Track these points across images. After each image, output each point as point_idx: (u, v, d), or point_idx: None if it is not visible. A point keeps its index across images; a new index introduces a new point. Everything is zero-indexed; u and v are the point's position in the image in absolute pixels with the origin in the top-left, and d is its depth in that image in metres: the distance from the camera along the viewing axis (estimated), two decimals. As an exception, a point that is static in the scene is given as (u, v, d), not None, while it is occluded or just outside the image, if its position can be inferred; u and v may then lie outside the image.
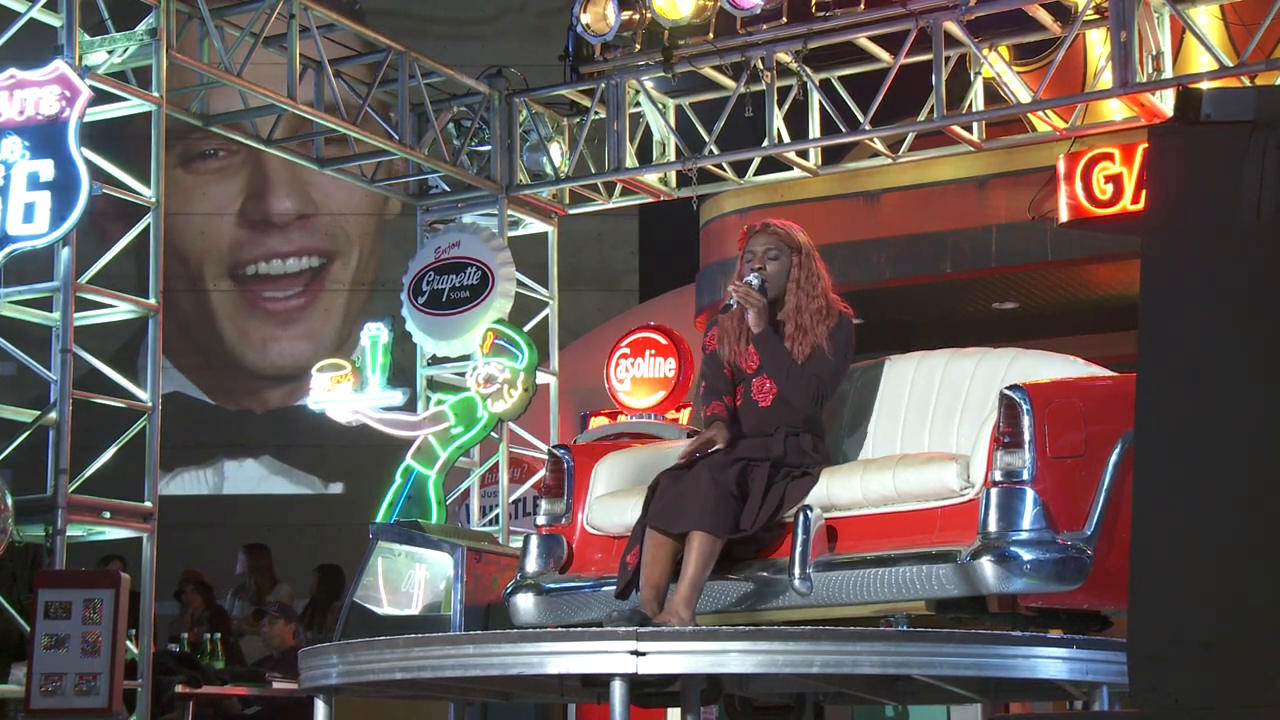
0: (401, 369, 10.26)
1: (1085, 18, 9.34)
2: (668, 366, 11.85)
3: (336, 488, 17.38)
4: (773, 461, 5.27)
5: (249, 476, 17.54)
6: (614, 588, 5.36)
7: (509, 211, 10.77)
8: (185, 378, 17.40)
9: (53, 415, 8.00)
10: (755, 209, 12.30)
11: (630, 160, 10.44)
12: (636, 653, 4.55)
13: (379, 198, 16.33)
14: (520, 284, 10.48)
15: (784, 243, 5.54)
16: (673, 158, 10.50)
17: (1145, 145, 9.68)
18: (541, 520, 5.81)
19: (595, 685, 5.06)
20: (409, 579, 8.66)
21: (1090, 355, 5.69)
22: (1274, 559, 2.86)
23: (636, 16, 9.74)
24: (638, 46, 9.98)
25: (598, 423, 12.10)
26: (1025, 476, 4.89)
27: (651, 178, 10.80)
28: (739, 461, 5.26)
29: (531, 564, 5.72)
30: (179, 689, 9.20)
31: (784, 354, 5.42)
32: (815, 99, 9.93)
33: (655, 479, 5.30)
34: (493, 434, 10.08)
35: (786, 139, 10.07)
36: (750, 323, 5.45)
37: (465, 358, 10.24)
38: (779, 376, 5.41)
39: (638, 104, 10.50)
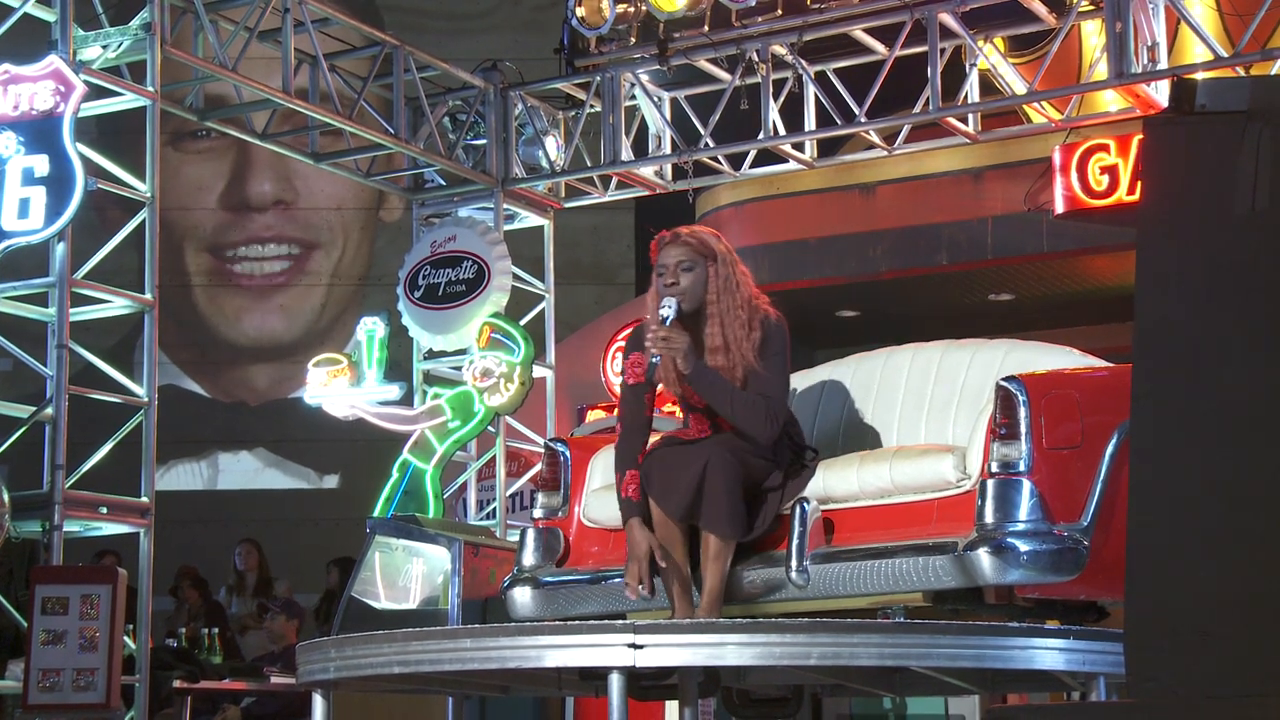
0: (398, 363, 10.25)
1: (1080, 9, 9.34)
2: (664, 360, 11.82)
3: (332, 482, 17.35)
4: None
5: (244, 471, 17.50)
6: (613, 582, 5.36)
7: (505, 205, 10.76)
8: (179, 370, 17.37)
9: (49, 411, 8.00)
10: (751, 201, 12.31)
11: (626, 153, 10.44)
12: (634, 645, 4.55)
13: (366, 191, 16.31)
14: (516, 278, 10.48)
15: (697, 252, 5.21)
16: (668, 151, 10.49)
17: (1140, 136, 9.69)
18: (538, 514, 5.80)
19: (593, 678, 5.05)
20: (406, 573, 8.65)
21: (1086, 346, 5.68)
22: (1271, 549, 2.86)
23: (631, 9, 9.74)
24: (633, 39, 9.98)
25: (594, 416, 12.11)
26: (1022, 468, 4.88)
27: (647, 171, 10.79)
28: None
29: (528, 557, 5.71)
30: (177, 684, 9.20)
31: (722, 386, 5.13)
32: (810, 91, 9.93)
33: (650, 449, 5.23)
34: (489, 428, 10.08)
35: (782, 131, 10.06)
36: (680, 367, 5.14)
37: (462, 352, 10.23)
38: (725, 412, 5.16)
39: (633, 97, 10.50)
